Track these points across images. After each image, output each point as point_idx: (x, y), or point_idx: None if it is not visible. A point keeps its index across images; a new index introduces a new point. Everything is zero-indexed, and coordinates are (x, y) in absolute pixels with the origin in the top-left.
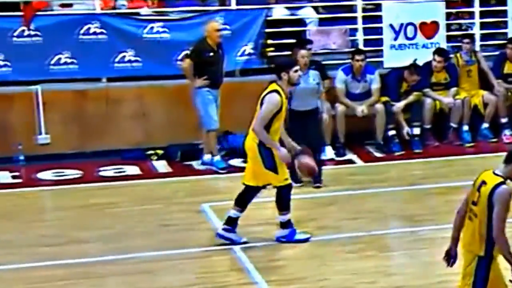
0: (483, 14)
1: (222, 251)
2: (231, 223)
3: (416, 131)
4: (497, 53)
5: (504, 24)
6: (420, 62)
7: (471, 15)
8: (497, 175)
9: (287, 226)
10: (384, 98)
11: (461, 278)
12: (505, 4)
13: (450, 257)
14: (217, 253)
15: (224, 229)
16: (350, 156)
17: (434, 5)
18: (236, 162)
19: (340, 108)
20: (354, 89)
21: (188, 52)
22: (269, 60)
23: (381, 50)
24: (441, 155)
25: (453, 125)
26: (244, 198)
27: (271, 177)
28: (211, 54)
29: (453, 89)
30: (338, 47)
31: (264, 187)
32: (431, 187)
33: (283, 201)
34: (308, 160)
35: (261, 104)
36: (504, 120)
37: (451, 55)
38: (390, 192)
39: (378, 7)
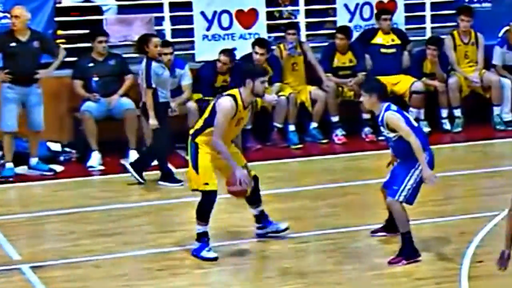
0: (308, 1)
1: (5, 272)
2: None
3: None
4: (325, 43)
5: (333, 12)
6: (238, 55)
7: (294, 1)
8: None
9: (200, 239)
10: (198, 95)
11: None
12: None
13: (503, 260)
14: None
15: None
16: None
17: None
18: (21, 170)
19: None
20: None
21: None
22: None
23: (192, 42)
24: (264, 159)
25: (277, 125)
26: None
27: (192, 176)
28: (14, 44)
29: (276, 85)
30: None
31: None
32: None
33: (200, 209)
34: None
35: (213, 110)
36: (335, 119)
37: (273, 47)
38: None
39: None
